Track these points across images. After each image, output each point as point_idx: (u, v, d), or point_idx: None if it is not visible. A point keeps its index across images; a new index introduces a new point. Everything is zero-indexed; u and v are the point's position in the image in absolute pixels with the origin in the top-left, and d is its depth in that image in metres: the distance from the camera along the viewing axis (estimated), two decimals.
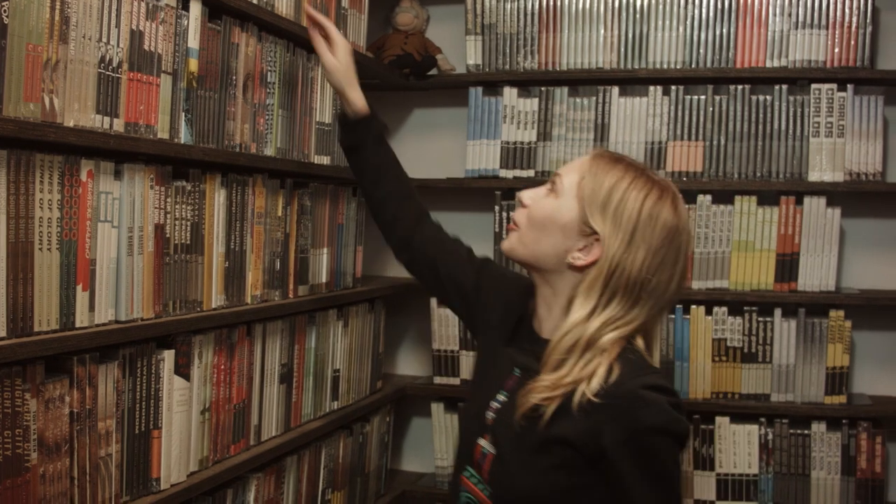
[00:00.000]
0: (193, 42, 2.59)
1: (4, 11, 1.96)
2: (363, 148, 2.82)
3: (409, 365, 4.47)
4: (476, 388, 2.48)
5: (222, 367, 2.75)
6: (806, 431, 3.81)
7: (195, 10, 2.59)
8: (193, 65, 2.59)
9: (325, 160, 3.41)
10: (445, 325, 4.08)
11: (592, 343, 2.16)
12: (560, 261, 2.25)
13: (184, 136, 2.57)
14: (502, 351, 2.40)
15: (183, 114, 2.56)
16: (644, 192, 2.21)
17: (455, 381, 4.10)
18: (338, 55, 2.81)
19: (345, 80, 2.82)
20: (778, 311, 3.84)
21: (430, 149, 4.39)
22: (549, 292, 2.31)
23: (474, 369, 2.57)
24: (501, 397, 2.31)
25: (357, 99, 2.81)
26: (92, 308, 2.25)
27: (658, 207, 2.20)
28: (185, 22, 2.56)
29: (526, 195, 2.33)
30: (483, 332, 2.57)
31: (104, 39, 2.25)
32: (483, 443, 2.30)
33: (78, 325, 2.21)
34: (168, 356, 2.49)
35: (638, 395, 2.09)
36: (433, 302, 4.09)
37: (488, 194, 4.11)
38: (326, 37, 2.84)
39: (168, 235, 2.51)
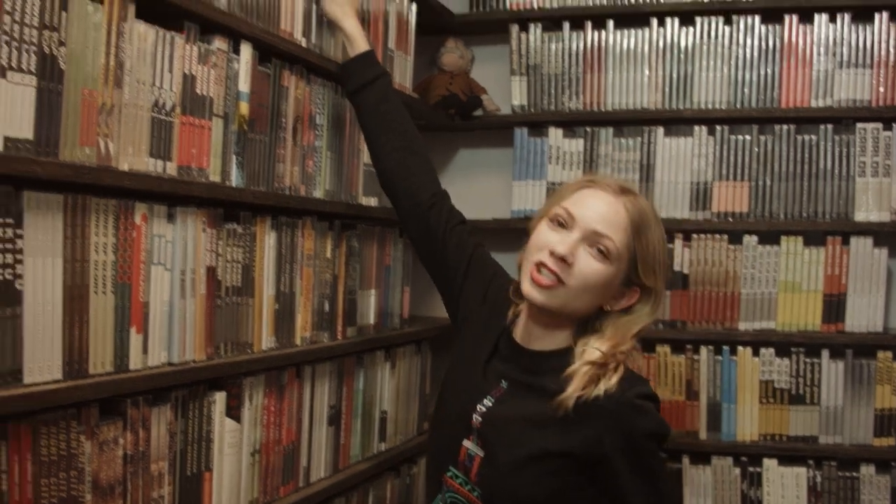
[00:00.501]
0: (244, 85, 2.61)
1: (62, 57, 1.99)
2: (364, 89, 2.87)
3: None
4: (455, 391, 2.56)
5: (272, 408, 2.76)
6: (855, 474, 3.78)
7: (246, 53, 2.61)
8: (244, 108, 2.61)
9: (373, 201, 3.42)
10: None
11: (619, 362, 2.31)
12: (592, 308, 2.36)
13: (235, 178, 2.58)
14: (483, 360, 2.50)
15: (234, 157, 2.58)
16: (663, 231, 2.43)
17: None
18: None
19: (338, 7, 2.93)
20: (825, 353, 3.82)
21: (475, 189, 4.40)
22: (556, 320, 2.38)
23: (452, 371, 2.63)
24: (488, 402, 2.40)
25: (353, 29, 2.91)
26: (145, 350, 2.27)
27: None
28: (236, 66, 2.58)
29: (564, 250, 2.30)
30: (461, 327, 2.68)
31: (157, 83, 2.28)
32: (468, 444, 2.40)
33: (132, 367, 2.22)
34: (219, 398, 2.50)
35: (634, 404, 2.27)
36: None
37: None
38: None
39: (219, 278, 2.53)
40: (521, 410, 2.34)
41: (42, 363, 1.98)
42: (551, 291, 2.31)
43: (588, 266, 2.30)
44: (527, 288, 2.34)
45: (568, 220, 2.33)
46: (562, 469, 2.28)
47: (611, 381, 2.25)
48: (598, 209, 2.33)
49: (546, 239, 2.34)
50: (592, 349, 2.30)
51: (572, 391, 2.24)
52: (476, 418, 2.38)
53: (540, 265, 2.31)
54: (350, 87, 2.90)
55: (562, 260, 2.29)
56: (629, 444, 2.27)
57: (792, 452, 3.82)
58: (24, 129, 1.91)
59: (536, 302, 2.33)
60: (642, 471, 2.29)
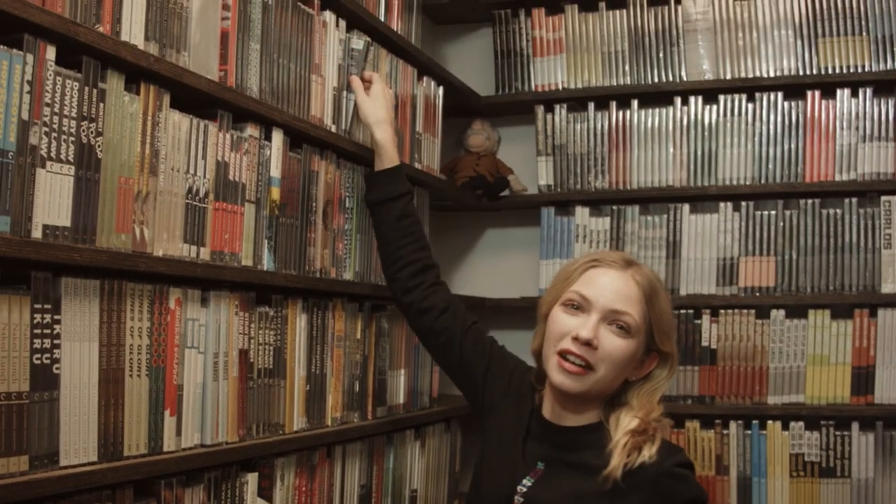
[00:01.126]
0: (276, 171, 2.67)
1: (98, 147, 2.05)
2: (387, 203, 2.92)
3: None
4: (492, 476, 2.55)
5: (303, 488, 2.78)
6: None
7: (277, 139, 2.67)
8: (276, 193, 2.67)
9: None
10: None
11: (655, 430, 2.33)
12: (619, 382, 2.40)
13: (266, 262, 2.63)
14: (518, 442, 2.51)
15: (266, 241, 2.63)
16: (668, 294, 2.49)
17: None
18: (372, 89, 2.99)
19: (371, 113, 2.98)
20: (855, 425, 3.81)
21: (503, 268, 4.45)
22: (583, 398, 2.39)
23: (485, 457, 2.63)
24: (527, 482, 2.41)
25: (386, 140, 2.96)
26: (179, 433, 2.30)
27: None
28: (268, 152, 2.64)
29: (589, 334, 2.32)
30: (488, 417, 2.68)
31: (191, 171, 2.34)
32: None
33: (165, 449, 2.26)
34: (252, 479, 2.53)
35: (674, 472, 2.29)
36: None
37: None
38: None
39: (252, 360, 2.57)
40: (565, 488, 2.34)
41: (78, 445, 2.01)
42: (581, 378, 2.33)
43: (613, 345, 2.33)
44: (557, 378, 2.35)
45: (583, 303, 2.36)
46: None
47: (652, 450, 2.28)
48: (612, 287, 2.37)
49: (565, 325, 2.36)
50: (628, 420, 2.33)
51: (618, 462, 2.26)
52: (518, 500, 2.39)
53: (566, 353, 2.33)
54: (373, 197, 2.96)
55: (587, 344, 2.31)
56: None
57: None
58: (62, 216, 1.97)
59: (570, 391, 2.34)
60: None
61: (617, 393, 2.42)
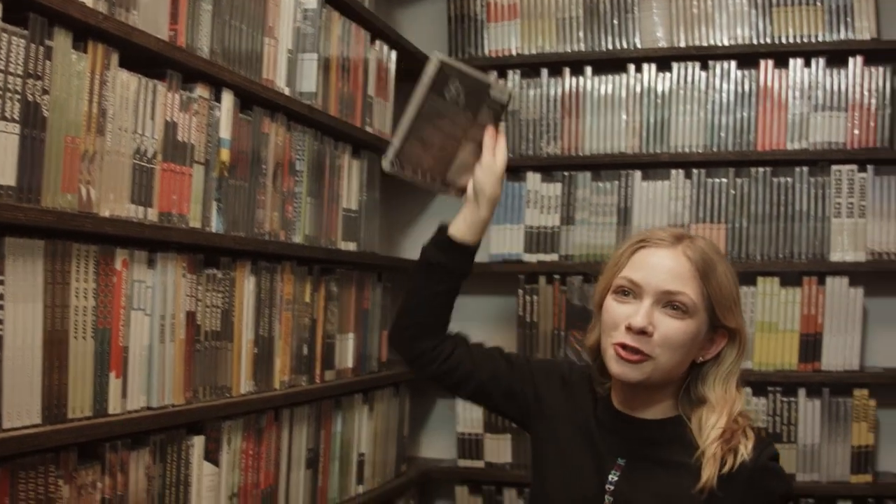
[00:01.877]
0: (225, 132, 2.65)
1: (45, 105, 2.02)
2: (454, 275, 2.56)
3: (433, 448, 4.47)
4: (572, 472, 2.35)
5: (250, 452, 2.77)
6: None
7: (227, 101, 2.65)
8: (225, 154, 2.65)
9: (352, 246, 3.45)
10: (470, 408, 4.09)
11: (736, 420, 2.21)
12: (685, 365, 2.25)
13: (215, 224, 2.61)
14: (594, 436, 2.33)
15: (215, 203, 2.61)
16: (729, 265, 2.30)
17: (479, 464, 4.11)
18: (497, 156, 2.48)
19: (488, 187, 2.47)
20: (802, 391, 3.84)
21: None
22: (654, 388, 2.26)
23: (553, 457, 2.41)
24: (613, 477, 2.25)
25: (486, 221, 2.55)
26: (124, 395, 2.29)
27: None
28: (218, 113, 2.62)
29: (642, 322, 2.17)
30: (547, 424, 2.45)
31: (139, 131, 2.31)
32: None
33: (111, 411, 2.24)
34: (198, 442, 2.51)
35: (770, 468, 2.18)
36: None
37: (512, 278, 4.15)
38: None
39: (199, 322, 2.55)
40: (654, 487, 2.21)
41: (21, 408, 1.99)
42: (640, 366, 2.19)
43: (670, 328, 2.18)
44: (615, 369, 2.21)
45: (634, 289, 2.22)
46: None
47: (748, 448, 2.16)
48: (662, 267, 2.22)
49: (618, 314, 2.22)
50: (712, 422, 2.20)
51: (712, 473, 2.13)
52: (608, 499, 2.24)
53: (621, 345, 2.19)
54: (443, 261, 2.53)
55: (642, 332, 2.17)
56: None
57: None
58: (7, 175, 1.94)
59: (630, 380, 2.21)
60: None
61: (691, 380, 2.29)
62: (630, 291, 2.22)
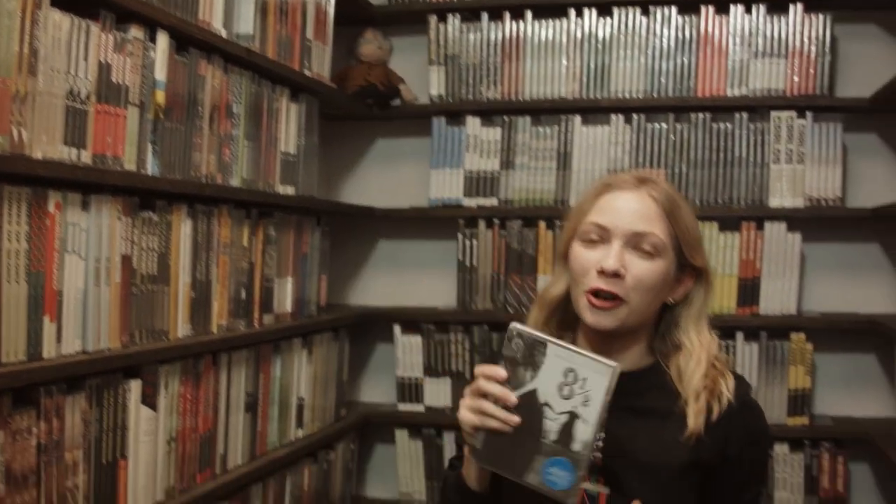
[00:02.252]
0: (160, 74, 2.61)
1: None
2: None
3: (373, 392, 4.47)
4: None
5: (188, 396, 2.75)
6: (769, 453, 3.84)
7: (162, 42, 2.61)
8: (160, 97, 2.61)
9: (290, 190, 3.43)
10: (409, 352, 4.10)
11: (714, 359, 2.21)
12: (657, 308, 2.24)
13: (150, 167, 2.58)
14: None
15: (150, 145, 2.58)
16: (690, 205, 2.28)
17: (419, 407, 4.12)
18: None
19: None
20: (740, 335, 3.88)
21: (393, 178, 4.41)
22: (628, 335, 2.23)
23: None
24: (602, 434, 2.17)
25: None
26: (59, 339, 2.26)
27: None
28: (153, 54, 2.58)
29: (614, 264, 2.14)
30: None
31: (72, 72, 2.27)
32: (587, 486, 2.17)
33: (45, 355, 2.21)
34: (135, 386, 2.49)
35: (751, 405, 2.21)
36: (397, 329, 4.11)
37: (452, 223, 4.14)
38: None
39: (135, 266, 2.52)
40: (644, 437, 2.18)
41: None
42: (614, 312, 2.16)
43: (642, 270, 2.16)
44: (590, 318, 2.17)
45: (602, 233, 2.18)
46: (692, 481, 2.18)
47: (730, 391, 2.17)
48: (628, 209, 2.19)
49: (587, 259, 2.18)
50: (691, 369, 2.18)
51: (700, 422, 2.12)
52: (597, 455, 2.27)
53: (595, 291, 2.15)
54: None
55: (614, 275, 2.14)
56: (751, 444, 2.22)
57: None
58: None
59: (606, 328, 2.17)
60: (757, 470, 2.28)
61: (664, 326, 2.27)
62: (598, 237, 2.18)
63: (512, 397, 1.97)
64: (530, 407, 1.95)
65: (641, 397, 2.14)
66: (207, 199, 2.88)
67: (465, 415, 2.03)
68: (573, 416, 1.93)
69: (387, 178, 4.42)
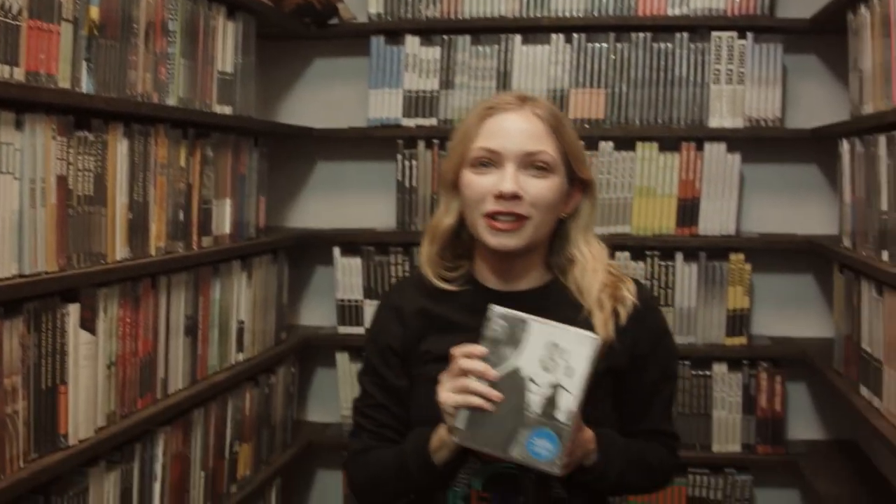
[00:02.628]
0: None
1: None
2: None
3: (313, 315, 4.44)
4: None
5: (128, 320, 2.71)
6: (707, 372, 3.88)
7: None
8: (94, 13, 2.53)
9: (227, 110, 3.37)
10: (349, 274, 4.07)
11: (618, 276, 2.29)
12: (553, 224, 2.26)
13: (85, 85, 2.51)
14: (474, 335, 2.12)
15: (84, 63, 2.50)
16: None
17: (359, 330, 4.09)
18: None
19: None
20: (679, 256, 3.89)
21: (331, 99, 4.35)
22: (526, 253, 2.25)
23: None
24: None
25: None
26: None
27: None
28: None
29: (512, 187, 2.15)
30: (428, 365, 2.27)
31: None
32: None
33: None
34: (73, 310, 2.44)
35: (652, 304, 2.34)
36: (336, 251, 4.07)
37: (391, 143, 4.09)
38: None
39: (71, 187, 2.46)
40: None
41: None
42: (518, 232, 2.18)
43: (539, 188, 2.18)
44: (493, 241, 2.18)
45: (493, 157, 2.19)
46: (606, 388, 2.22)
47: (633, 294, 2.26)
48: (516, 129, 2.21)
49: (482, 185, 2.19)
50: (590, 283, 2.23)
51: (608, 330, 2.18)
52: None
53: (494, 214, 2.17)
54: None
55: (513, 197, 2.16)
56: (659, 342, 2.32)
57: None
58: None
59: (511, 248, 2.19)
60: (668, 367, 2.37)
61: (555, 241, 2.31)
62: (489, 161, 2.20)
63: (493, 372, 1.99)
64: (513, 382, 1.98)
65: (547, 313, 2.11)
66: (144, 118, 2.81)
67: (447, 395, 2.04)
68: (557, 387, 1.96)
69: (325, 98, 4.36)
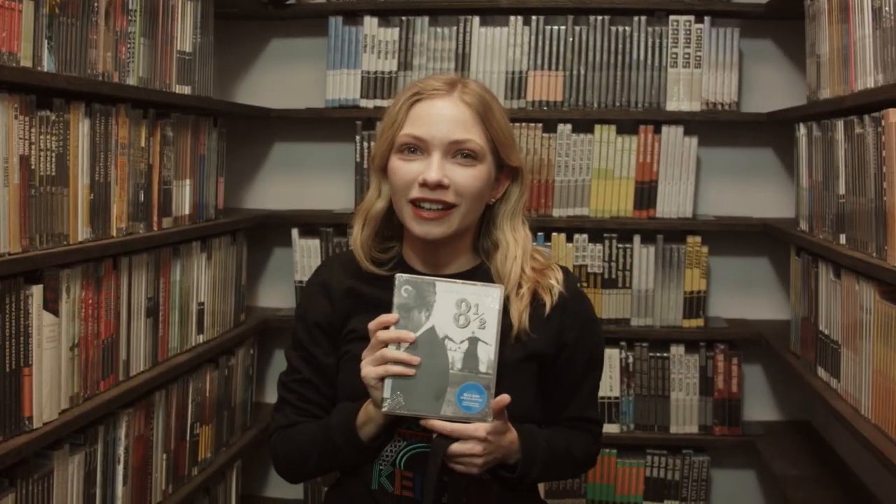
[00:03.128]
0: None
1: None
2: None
3: (271, 297, 4.43)
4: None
5: (90, 301, 2.69)
6: (665, 354, 3.90)
7: None
8: None
9: (186, 90, 3.34)
10: (307, 255, 4.05)
11: (534, 253, 2.31)
12: (480, 210, 2.27)
13: (46, 63, 2.48)
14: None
15: (46, 41, 2.48)
16: (500, 103, 2.32)
17: None
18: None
19: None
20: (637, 238, 3.90)
21: (289, 79, 4.33)
22: (456, 238, 2.25)
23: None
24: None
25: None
26: None
27: None
28: None
29: (436, 176, 2.13)
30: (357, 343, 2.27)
31: None
32: None
33: None
34: (36, 291, 2.42)
35: (580, 291, 2.34)
36: (295, 233, 4.05)
37: (349, 124, 4.08)
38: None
39: (33, 167, 2.43)
40: None
41: None
42: (444, 221, 2.17)
43: (465, 178, 2.17)
44: (418, 229, 2.17)
45: (419, 144, 2.17)
46: (530, 374, 2.23)
47: (560, 282, 2.27)
48: (443, 117, 2.19)
49: (408, 172, 2.17)
50: (510, 269, 2.24)
51: (522, 321, 2.19)
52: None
53: (419, 201, 2.16)
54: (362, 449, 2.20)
55: (438, 186, 2.14)
56: (586, 330, 2.32)
57: (605, 335, 3.86)
58: None
59: (437, 237, 2.18)
60: (595, 355, 2.37)
61: (483, 226, 2.32)
62: (416, 148, 2.19)
63: (410, 335, 2.01)
64: (431, 344, 2.02)
65: None
66: (105, 98, 2.78)
67: (368, 369, 2.05)
68: (473, 341, 2.02)
69: (282, 79, 4.33)
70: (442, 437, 2.03)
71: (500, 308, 2.02)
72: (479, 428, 2.01)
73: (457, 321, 2.02)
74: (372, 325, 2.06)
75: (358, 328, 2.24)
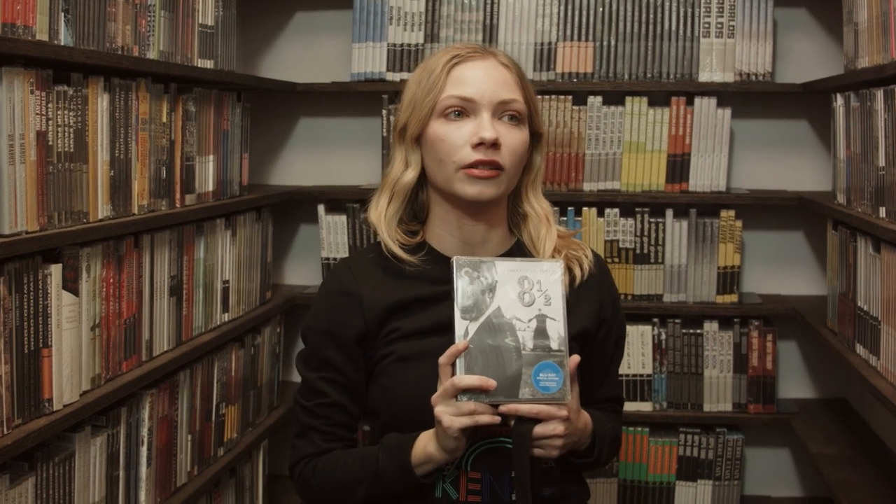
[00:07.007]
0: None
1: None
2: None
3: (297, 274, 4.38)
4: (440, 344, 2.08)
5: (111, 280, 2.64)
6: (698, 331, 3.83)
7: None
8: None
9: (209, 64, 3.29)
10: (334, 232, 3.99)
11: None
12: (518, 178, 2.24)
13: (63, 37, 2.43)
14: (440, 311, 2.11)
15: (62, 14, 2.42)
16: None
17: None
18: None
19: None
20: (669, 212, 3.83)
21: (313, 53, 4.26)
22: (494, 211, 2.21)
23: (408, 349, 2.17)
24: None
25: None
26: None
27: None
28: None
29: (493, 134, 2.07)
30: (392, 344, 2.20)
31: None
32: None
33: None
34: (55, 270, 2.37)
35: (607, 269, 2.35)
36: (321, 209, 3.99)
37: (375, 98, 4.02)
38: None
39: (51, 143, 2.38)
40: None
41: None
42: (496, 180, 2.10)
43: (514, 138, 2.12)
44: (471, 190, 2.09)
45: (467, 105, 2.11)
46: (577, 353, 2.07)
47: (589, 259, 2.26)
48: (489, 78, 2.14)
49: (458, 135, 2.10)
50: (545, 239, 2.22)
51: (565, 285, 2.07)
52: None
53: (475, 164, 2.08)
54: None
55: (493, 145, 2.08)
56: (617, 307, 2.34)
57: (637, 311, 3.84)
58: None
59: (489, 197, 2.11)
60: (622, 336, 2.37)
61: (512, 195, 2.26)
62: (462, 110, 2.13)
63: (491, 382, 1.92)
64: (500, 327, 1.96)
65: None
66: (124, 72, 2.73)
67: (451, 420, 1.93)
68: (542, 318, 1.96)
69: (307, 53, 4.27)
70: (522, 422, 1.96)
71: (562, 280, 2.00)
72: (562, 407, 1.95)
73: (522, 300, 1.97)
74: (442, 359, 1.95)
75: (401, 326, 2.16)
